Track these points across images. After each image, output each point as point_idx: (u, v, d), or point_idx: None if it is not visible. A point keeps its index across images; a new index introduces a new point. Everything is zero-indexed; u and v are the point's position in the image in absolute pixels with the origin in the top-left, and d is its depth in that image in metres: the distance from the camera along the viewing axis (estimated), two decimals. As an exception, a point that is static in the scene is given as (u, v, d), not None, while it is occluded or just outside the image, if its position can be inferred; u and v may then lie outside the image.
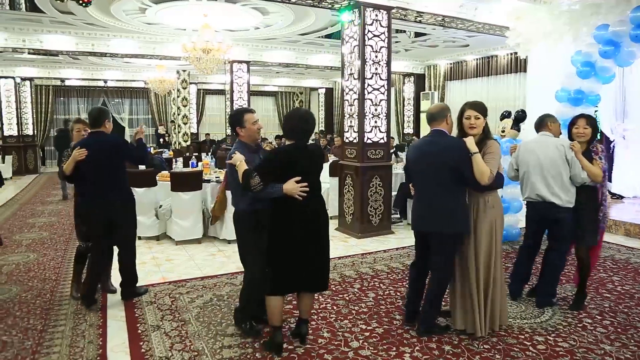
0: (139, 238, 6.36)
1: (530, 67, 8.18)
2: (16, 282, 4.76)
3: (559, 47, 6.70)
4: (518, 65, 11.59)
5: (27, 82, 15.78)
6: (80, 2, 6.40)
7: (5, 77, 14.71)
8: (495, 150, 3.34)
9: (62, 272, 5.04)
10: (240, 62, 11.90)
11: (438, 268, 3.45)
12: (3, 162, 14.11)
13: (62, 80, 16.69)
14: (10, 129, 15.17)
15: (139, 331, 3.62)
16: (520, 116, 6.03)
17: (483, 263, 3.38)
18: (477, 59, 12.96)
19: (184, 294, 4.40)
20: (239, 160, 3.23)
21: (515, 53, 10.53)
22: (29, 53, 10.70)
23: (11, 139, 15.17)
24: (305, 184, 3.11)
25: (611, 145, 8.87)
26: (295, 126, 3.22)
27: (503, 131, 6.10)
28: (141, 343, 3.43)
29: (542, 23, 6.83)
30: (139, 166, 6.43)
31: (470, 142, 3.29)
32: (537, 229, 4.16)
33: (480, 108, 3.44)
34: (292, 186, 3.08)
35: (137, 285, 4.40)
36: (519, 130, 6.09)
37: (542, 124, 4.14)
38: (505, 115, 6.22)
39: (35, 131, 16.42)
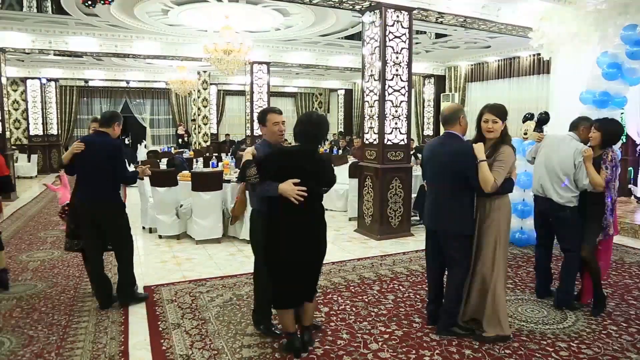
0: (160, 237, 6.47)
1: (554, 69, 8.04)
2: (41, 279, 4.86)
3: (585, 48, 6.58)
4: (541, 67, 11.43)
5: (52, 83, 16.13)
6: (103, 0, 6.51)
7: (32, 78, 15.07)
8: (505, 158, 3.29)
9: (84, 269, 5.11)
10: (260, 63, 11.98)
11: (451, 264, 3.50)
12: (29, 161, 14.43)
13: (86, 81, 17.00)
14: (36, 129, 15.54)
15: (160, 329, 3.66)
16: (543, 118, 5.92)
17: (485, 264, 3.39)
18: (499, 60, 12.82)
19: (204, 292, 4.43)
20: (247, 152, 3.25)
21: (539, 54, 10.39)
22: (54, 54, 10.93)
23: (36, 139, 15.54)
24: (304, 188, 2.99)
25: (637, 149, 8.68)
26: (304, 130, 3.17)
27: (525, 133, 6.01)
28: (162, 341, 3.46)
29: (567, 23, 6.72)
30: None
31: (478, 149, 3.27)
32: (542, 223, 4.19)
33: (499, 111, 3.40)
34: (289, 187, 2.98)
35: (139, 291, 4.37)
36: (542, 132, 5.98)
37: (576, 126, 4.13)
38: (527, 118, 6.12)
39: (60, 131, 16.76)
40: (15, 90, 15.17)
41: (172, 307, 4.08)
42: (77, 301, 4.21)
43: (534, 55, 11.54)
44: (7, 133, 10.30)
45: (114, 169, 4.04)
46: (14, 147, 13.02)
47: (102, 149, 4.02)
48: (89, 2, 6.25)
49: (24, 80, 15.06)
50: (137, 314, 3.95)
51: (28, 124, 15.43)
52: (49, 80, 15.82)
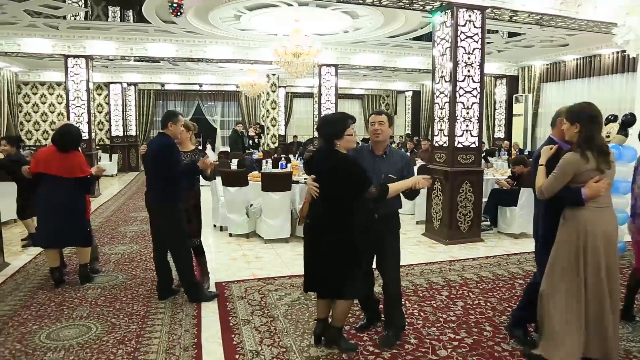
0: (230, 235, 6.69)
1: (641, 67, 7.54)
2: (122, 271, 5.17)
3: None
4: (625, 65, 10.72)
5: (132, 87, 17.21)
6: (173, 12, 6.83)
7: (114, 83, 16.15)
8: (562, 164, 2.96)
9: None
10: (328, 65, 12.07)
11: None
12: (110, 160, 15.41)
13: (162, 84, 17.93)
14: (117, 130, 16.65)
15: (231, 324, 3.79)
16: (629, 120, 5.55)
17: (546, 279, 3.09)
18: (577, 59, 12.16)
19: (272, 291, 4.53)
20: None
21: (623, 51, 9.74)
22: (134, 60, 11.62)
23: (117, 139, 16.64)
24: (316, 184, 3.25)
25: None
26: (317, 132, 3.50)
27: (608, 136, 5.67)
28: (233, 335, 3.58)
29: (657, 18, 6.25)
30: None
31: (543, 152, 3.15)
32: None
33: (567, 112, 3.10)
34: (308, 182, 3.34)
35: (209, 289, 4.50)
36: (626, 135, 5.62)
37: None
38: (610, 119, 5.76)
39: (138, 132, 17.79)
40: (99, 95, 16.33)
41: (242, 304, 4.21)
42: (154, 293, 4.43)
43: (617, 52, 10.85)
44: (92, 134, 11.07)
45: (162, 173, 4.07)
46: (97, 147, 13.95)
47: (151, 149, 4.23)
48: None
49: (107, 85, 16.21)
50: (209, 309, 4.10)
51: (110, 125, 16.59)
52: (129, 84, 16.89)
